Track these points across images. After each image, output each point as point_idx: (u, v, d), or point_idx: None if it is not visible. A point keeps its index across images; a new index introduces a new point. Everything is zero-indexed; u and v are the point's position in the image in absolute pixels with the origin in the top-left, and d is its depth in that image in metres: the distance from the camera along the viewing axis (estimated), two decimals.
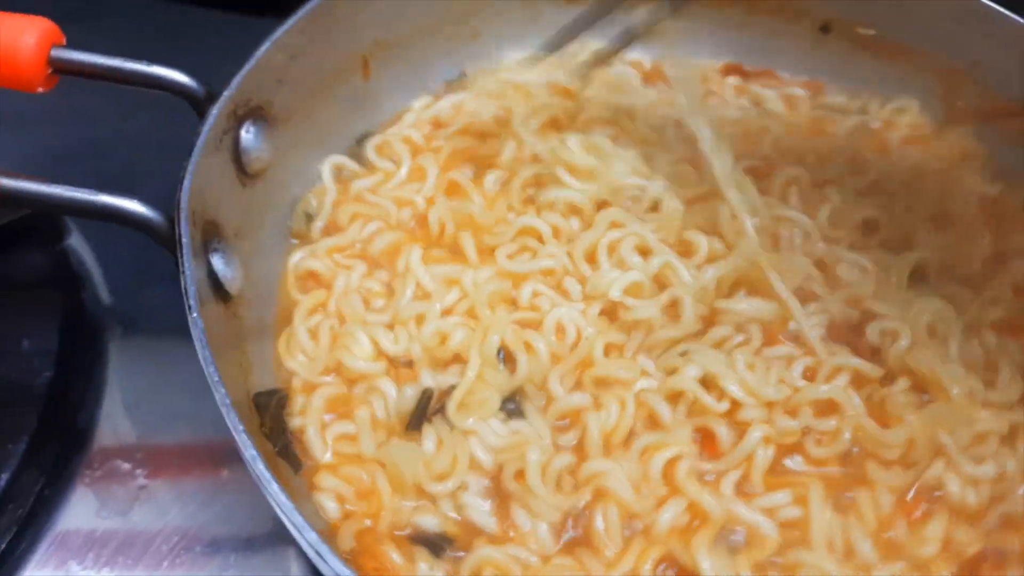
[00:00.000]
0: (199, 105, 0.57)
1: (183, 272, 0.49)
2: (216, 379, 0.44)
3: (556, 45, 0.72)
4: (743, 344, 0.59)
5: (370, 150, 0.71)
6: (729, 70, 0.81)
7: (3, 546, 0.56)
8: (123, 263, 0.72)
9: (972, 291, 0.63)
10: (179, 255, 0.49)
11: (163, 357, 0.67)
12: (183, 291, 0.48)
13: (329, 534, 0.51)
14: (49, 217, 0.71)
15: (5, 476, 0.56)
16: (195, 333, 0.46)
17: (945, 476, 0.54)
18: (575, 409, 0.56)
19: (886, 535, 0.52)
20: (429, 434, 0.55)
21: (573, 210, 0.66)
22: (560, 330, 0.60)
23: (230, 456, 0.62)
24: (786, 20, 0.78)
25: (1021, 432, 0.56)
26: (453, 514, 0.53)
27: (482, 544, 0.51)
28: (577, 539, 0.52)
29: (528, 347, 0.58)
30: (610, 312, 0.61)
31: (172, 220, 0.51)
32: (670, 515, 0.52)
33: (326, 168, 0.69)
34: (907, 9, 0.73)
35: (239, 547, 0.59)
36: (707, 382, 0.56)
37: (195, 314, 0.47)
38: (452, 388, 0.56)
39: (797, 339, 0.60)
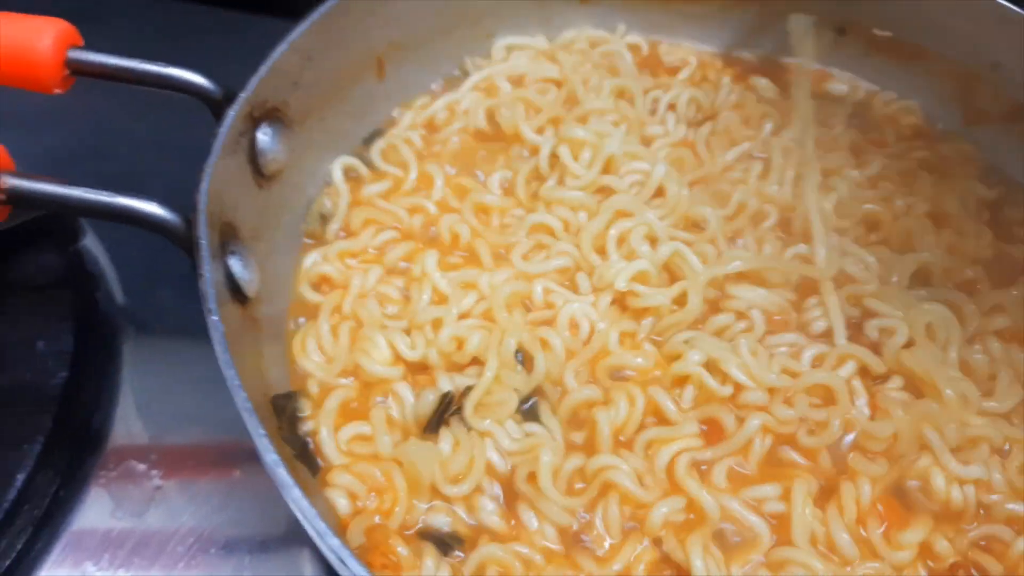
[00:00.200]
0: (215, 107, 0.57)
1: (201, 275, 0.49)
2: (236, 383, 0.44)
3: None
4: (746, 331, 0.60)
5: (375, 154, 0.71)
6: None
7: (19, 547, 0.56)
8: (137, 264, 0.72)
9: (975, 297, 0.63)
10: (197, 258, 0.49)
11: (177, 357, 0.67)
12: (201, 294, 0.48)
13: (339, 530, 0.51)
14: (64, 218, 0.71)
15: (21, 477, 0.56)
16: (215, 336, 0.46)
17: (931, 471, 0.54)
18: (586, 402, 0.57)
19: (863, 536, 0.52)
20: (446, 436, 0.55)
21: (580, 203, 0.67)
22: (573, 325, 0.60)
23: (244, 456, 0.62)
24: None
25: (1016, 446, 0.56)
26: (466, 516, 0.53)
27: (486, 542, 0.51)
28: (579, 536, 0.52)
29: (544, 344, 0.58)
30: (620, 301, 0.62)
31: (189, 222, 0.51)
32: (666, 510, 0.52)
33: (336, 169, 0.69)
34: (924, 11, 0.72)
35: (254, 548, 0.59)
36: (710, 367, 0.57)
37: (215, 317, 0.47)
38: (469, 389, 0.56)
39: (802, 328, 0.61)
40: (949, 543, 0.52)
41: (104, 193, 0.51)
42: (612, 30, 0.81)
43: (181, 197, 0.52)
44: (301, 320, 0.62)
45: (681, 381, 0.58)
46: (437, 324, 0.59)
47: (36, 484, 0.57)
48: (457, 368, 0.58)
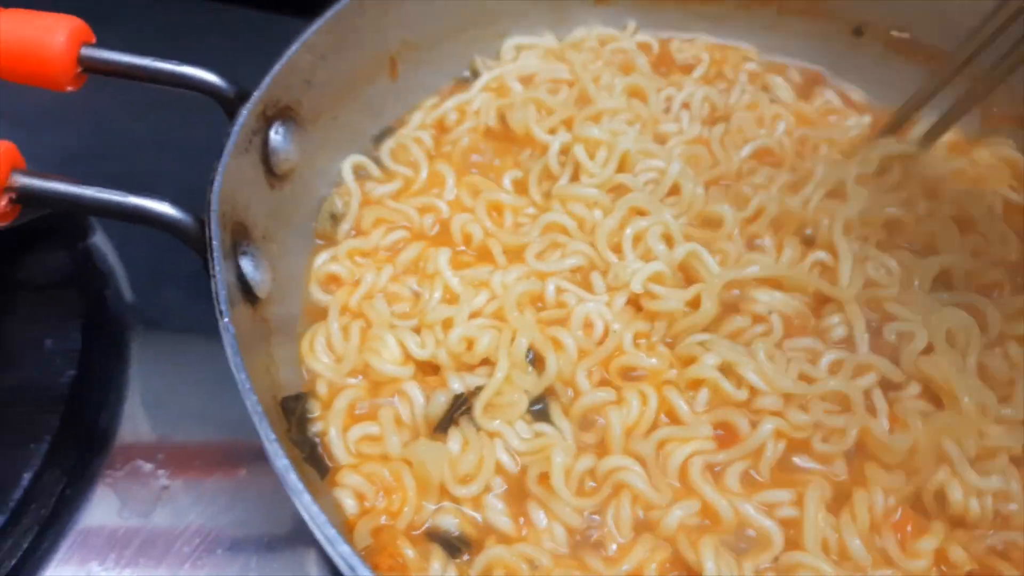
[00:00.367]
0: (228, 105, 0.56)
1: (213, 276, 0.48)
2: (248, 386, 0.44)
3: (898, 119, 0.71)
4: (764, 335, 0.59)
5: (385, 154, 0.70)
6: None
7: (25, 545, 0.56)
8: (145, 262, 0.72)
9: (996, 302, 0.62)
10: (209, 258, 0.49)
11: (184, 356, 0.67)
12: (214, 295, 0.48)
13: (346, 530, 0.51)
14: (72, 216, 0.71)
15: (28, 476, 0.56)
16: (226, 339, 0.46)
17: (948, 483, 0.53)
18: (599, 404, 0.56)
19: (878, 545, 0.52)
20: (455, 435, 0.55)
21: (595, 200, 0.66)
22: (588, 325, 0.60)
23: (250, 456, 0.62)
24: (818, 21, 0.77)
25: None
26: (474, 515, 0.52)
27: (493, 544, 0.51)
28: (588, 536, 0.52)
29: (556, 344, 0.58)
30: (635, 301, 0.61)
31: (201, 222, 0.51)
32: (681, 513, 0.52)
33: (346, 168, 0.68)
34: (941, 13, 0.72)
35: (260, 549, 0.58)
36: (725, 371, 0.57)
37: (226, 319, 0.46)
38: (479, 389, 0.56)
39: (821, 333, 0.60)
40: (964, 551, 0.52)
41: (116, 193, 0.51)
42: (623, 28, 0.81)
43: (191, 196, 0.52)
44: (311, 319, 0.61)
45: (695, 384, 0.57)
46: (448, 324, 0.59)
47: (43, 483, 0.57)
48: (467, 368, 0.58)
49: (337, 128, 0.66)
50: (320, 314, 0.61)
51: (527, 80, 0.75)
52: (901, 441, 0.55)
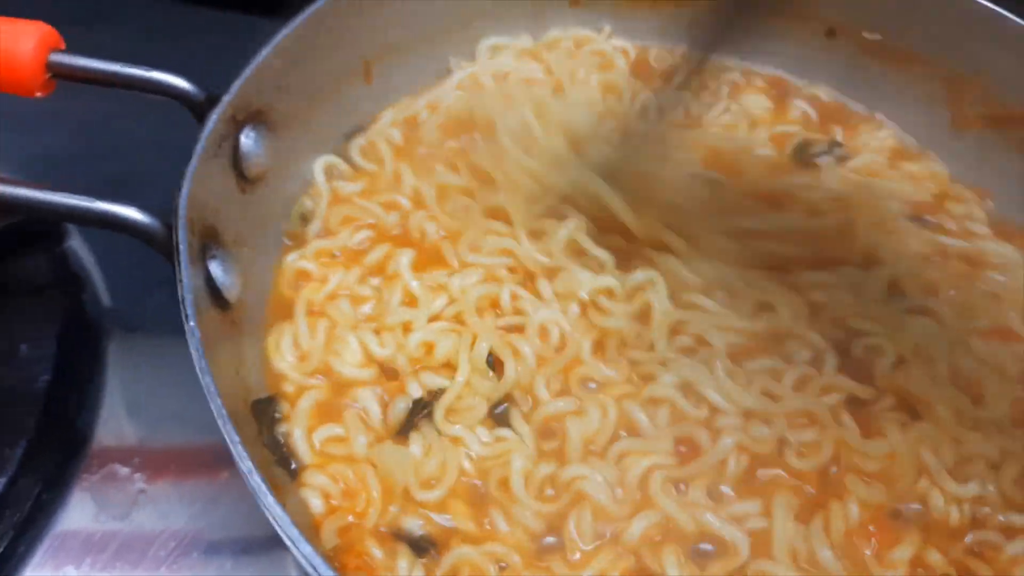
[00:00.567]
0: (198, 109, 0.57)
1: (180, 281, 0.48)
2: (213, 390, 0.44)
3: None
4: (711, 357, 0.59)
5: (355, 151, 0.70)
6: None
7: (0, 550, 0.56)
8: (123, 265, 0.71)
9: (949, 303, 0.62)
10: (176, 263, 0.49)
11: (162, 360, 0.67)
12: (180, 300, 0.48)
13: (312, 530, 0.51)
14: (47, 221, 0.71)
15: (2, 481, 0.56)
16: (192, 343, 0.46)
17: (929, 492, 0.54)
18: (560, 414, 0.56)
19: (852, 555, 0.52)
20: (416, 439, 0.55)
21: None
22: (544, 332, 0.60)
23: (228, 459, 0.60)
24: (790, 23, 0.77)
25: (1010, 458, 0.56)
26: (437, 520, 0.53)
27: (459, 543, 0.51)
28: (551, 545, 0.52)
29: (515, 352, 0.58)
30: (586, 311, 0.61)
31: (170, 227, 0.51)
32: (642, 525, 0.52)
33: (318, 168, 0.68)
34: (913, 15, 0.72)
35: (237, 552, 0.58)
36: (684, 388, 0.57)
37: (192, 323, 0.47)
38: (439, 391, 0.56)
39: (781, 351, 0.60)
40: (941, 555, 0.52)
41: (84, 198, 0.51)
42: (599, 31, 0.81)
43: (166, 200, 0.52)
44: (278, 320, 0.61)
45: (654, 403, 0.57)
46: (407, 327, 0.59)
47: (18, 488, 0.57)
48: (428, 370, 0.58)
49: (309, 131, 0.66)
50: (288, 314, 0.61)
51: (501, 78, 0.75)
52: (878, 447, 0.55)
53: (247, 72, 0.58)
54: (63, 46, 0.57)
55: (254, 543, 0.59)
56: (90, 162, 0.75)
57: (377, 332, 0.59)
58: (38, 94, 0.56)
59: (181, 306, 0.48)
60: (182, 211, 0.50)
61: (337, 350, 0.58)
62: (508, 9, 0.78)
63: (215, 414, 0.44)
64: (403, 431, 0.55)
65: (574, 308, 0.61)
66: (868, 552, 0.52)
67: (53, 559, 0.57)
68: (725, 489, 0.54)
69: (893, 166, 0.73)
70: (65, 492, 0.60)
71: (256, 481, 0.42)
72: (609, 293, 0.61)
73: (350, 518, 0.52)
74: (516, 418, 0.56)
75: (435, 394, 0.56)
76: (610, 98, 0.74)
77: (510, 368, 0.57)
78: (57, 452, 0.61)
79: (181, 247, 0.49)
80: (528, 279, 0.63)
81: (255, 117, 0.59)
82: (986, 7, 0.68)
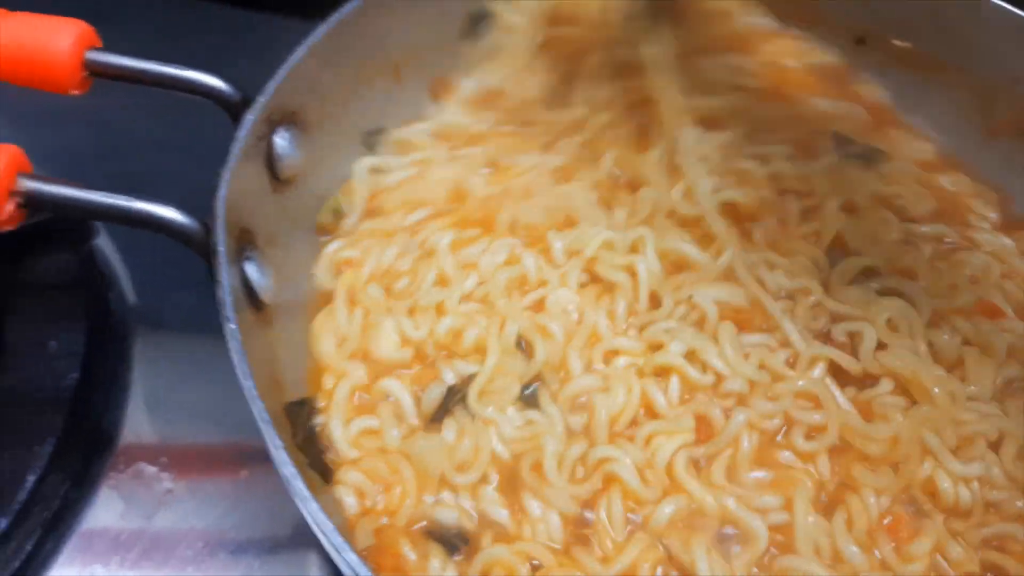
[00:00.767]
0: (233, 110, 0.56)
1: (219, 282, 0.48)
2: (254, 393, 0.44)
3: None
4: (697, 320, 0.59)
5: (391, 146, 0.70)
6: None
7: (29, 548, 0.56)
8: (150, 264, 0.71)
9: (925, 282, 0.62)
10: (215, 264, 0.49)
11: (189, 359, 0.67)
12: (218, 302, 0.48)
13: (347, 530, 0.51)
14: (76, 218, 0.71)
15: (31, 478, 0.56)
16: (232, 346, 0.46)
17: (936, 474, 0.54)
18: (586, 389, 0.56)
19: (871, 552, 0.52)
20: (450, 424, 0.55)
21: None
22: (564, 312, 0.60)
23: (254, 458, 0.62)
24: (821, 31, 0.77)
25: (1008, 438, 0.56)
26: (470, 508, 0.53)
27: (490, 543, 0.51)
28: (582, 534, 0.52)
29: (543, 331, 0.58)
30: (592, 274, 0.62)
31: (207, 227, 0.51)
32: (671, 509, 0.52)
33: (354, 167, 0.68)
34: (943, 23, 0.72)
35: (263, 552, 0.59)
36: (689, 357, 0.57)
37: (232, 325, 0.46)
38: (471, 376, 0.56)
39: (770, 329, 0.60)
40: (962, 548, 0.52)
41: (121, 197, 0.51)
42: None
43: (197, 199, 0.52)
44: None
45: (663, 371, 0.57)
46: (440, 309, 0.59)
47: (47, 485, 0.57)
48: (459, 356, 0.58)
49: (341, 131, 0.66)
50: (327, 303, 0.61)
51: None
52: (882, 430, 0.55)
53: (282, 73, 0.58)
54: (100, 44, 0.56)
55: (280, 542, 0.59)
56: (116, 161, 0.75)
57: (411, 313, 0.59)
58: (74, 92, 0.56)
59: (220, 308, 0.47)
60: (220, 212, 0.50)
61: (374, 334, 0.58)
62: None
63: (256, 418, 0.44)
64: (437, 417, 0.55)
65: (573, 276, 0.61)
66: (889, 547, 0.52)
67: (81, 557, 0.57)
68: (742, 471, 0.54)
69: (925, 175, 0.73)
70: (92, 490, 0.60)
71: (299, 487, 0.42)
72: (609, 246, 0.62)
73: (384, 520, 0.52)
74: (545, 398, 0.56)
75: (467, 380, 0.56)
76: None
77: (539, 349, 0.57)
78: (84, 450, 0.61)
79: (220, 248, 0.49)
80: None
81: (289, 118, 0.59)
82: (1016, 15, 0.67)
